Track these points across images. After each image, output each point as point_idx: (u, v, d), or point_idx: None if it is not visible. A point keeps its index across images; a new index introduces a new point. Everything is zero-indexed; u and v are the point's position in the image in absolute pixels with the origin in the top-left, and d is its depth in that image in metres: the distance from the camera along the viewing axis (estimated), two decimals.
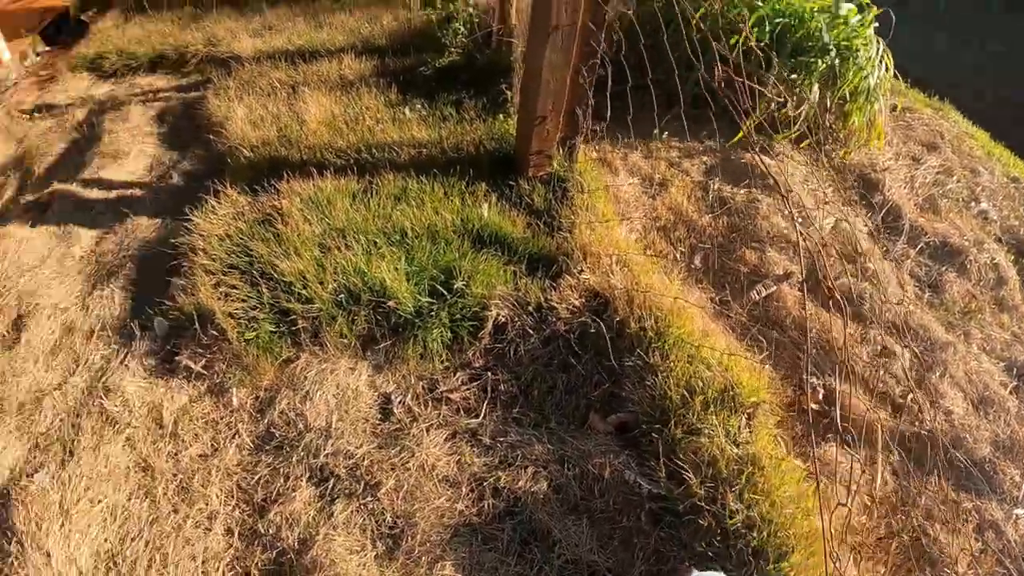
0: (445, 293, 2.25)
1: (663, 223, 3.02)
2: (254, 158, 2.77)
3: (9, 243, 2.93)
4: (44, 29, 5.58)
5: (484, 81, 3.21)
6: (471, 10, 3.35)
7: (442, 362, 2.24)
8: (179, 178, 2.99)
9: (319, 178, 2.56)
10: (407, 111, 2.97)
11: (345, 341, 2.20)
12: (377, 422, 2.10)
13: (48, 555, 1.83)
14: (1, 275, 2.82)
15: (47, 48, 5.38)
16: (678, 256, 2.86)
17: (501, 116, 2.99)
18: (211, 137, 3.09)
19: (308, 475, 1.96)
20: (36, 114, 4.00)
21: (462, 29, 3.19)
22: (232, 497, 1.94)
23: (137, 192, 3.00)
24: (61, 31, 5.70)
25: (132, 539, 1.86)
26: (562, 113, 2.60)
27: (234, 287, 2.28)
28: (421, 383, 2.19)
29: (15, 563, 1.80)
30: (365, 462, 1.97)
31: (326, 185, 2.52)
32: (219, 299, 2.25)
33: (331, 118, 2.89)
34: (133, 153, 3.21)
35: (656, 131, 3.36)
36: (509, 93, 3.09)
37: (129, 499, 1.93)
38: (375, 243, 2.36)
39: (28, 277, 2.74)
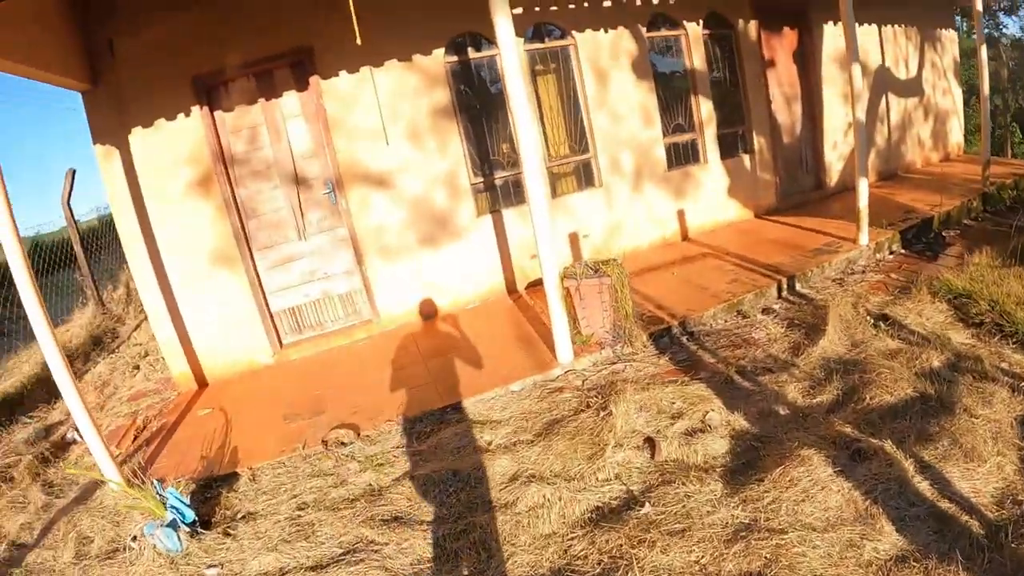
0: None
1: None
2: None
3: (801, 473, 2.43)
4: (904, 229, 5.40)
5: None
6: None
7: None
8: None
9: None
10: None
11: None
12: None
13: None
14: (768, 506, 2.37)
15: (902, 250, 5.14)
16: None
17: None
18: None
19: None
20: (882, 324, 3.62)
21: None
22: None
23: (963, 521, 2.08)
24: (919, 238, 5.40)
25: None
26: None
27: None
28: None
29: None
30: None
31: None
32: None
33: None
34: (988, 464, 2.30)
35: None
36: None
37: None
38: None
39: (798, 536, 2.14)
